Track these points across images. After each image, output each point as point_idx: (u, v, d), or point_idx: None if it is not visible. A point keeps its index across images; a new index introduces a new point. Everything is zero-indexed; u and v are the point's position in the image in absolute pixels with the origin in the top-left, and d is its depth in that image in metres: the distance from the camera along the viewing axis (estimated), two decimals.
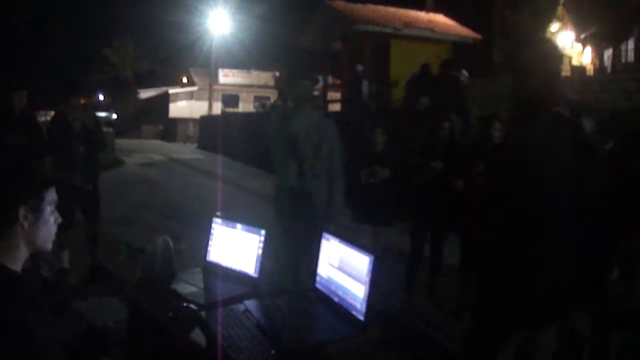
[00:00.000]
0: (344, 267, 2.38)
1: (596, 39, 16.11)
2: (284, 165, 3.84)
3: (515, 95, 2.55)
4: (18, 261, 1.66)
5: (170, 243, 2.87)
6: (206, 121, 27.31)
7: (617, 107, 8.53)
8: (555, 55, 2.48)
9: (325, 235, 2.58)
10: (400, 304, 5.06)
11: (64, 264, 5.63)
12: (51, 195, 1.70)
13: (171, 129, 34.44)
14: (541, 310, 2.41)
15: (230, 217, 3.00)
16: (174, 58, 41.96)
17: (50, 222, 1.70)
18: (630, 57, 14.11)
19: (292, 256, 3.72)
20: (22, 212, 1.62)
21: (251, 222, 2.91)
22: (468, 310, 2.65)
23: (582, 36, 16.26)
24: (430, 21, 17.89)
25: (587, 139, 2.44)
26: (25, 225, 1.63)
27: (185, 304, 2.37)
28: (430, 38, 16.93)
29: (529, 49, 2.45)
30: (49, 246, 1.74)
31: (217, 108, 32.97)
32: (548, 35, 17.79)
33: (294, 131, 3.83)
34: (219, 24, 32.70)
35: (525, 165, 2.29)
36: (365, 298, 2.19)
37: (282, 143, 3.78)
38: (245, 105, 36.30)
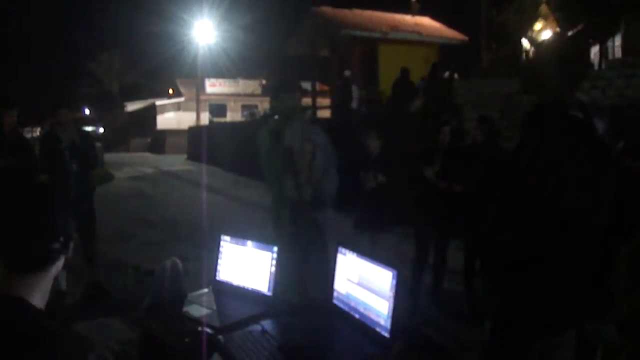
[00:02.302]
0: (364, 283, 2.31)
1: (582, 37, 16.19)
2: (280, 179, 3.78)
3: (533, 95, 2.51)
4: (45, 300, 1.54)
5: (179, 264, 2.79)
6: (194, 132, 27.17)
7: (607, 103, 8.58)
8: (581, 57, 2.43)
9: (342, 250, 2.51)
10: (407, 311, 5.02)
11: (62, 286, 5.51)
12: None
13: (159, 141, 34.23)
14: (564, 314, 2.37)
15: (239, 234, 2.92)
16: (160, 69, 41.89)
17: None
18: (617, 53, 14.19)
19: (295, 269, 3.65)
20: (71, 244, 1.52)
21: (258, 237, 2.85)
22: (487, 318, 2.60)
23: (569, 34, 16.33)
24: (416, 24, 17.97)
25: (601, 141, 2.39)
26: (69, 257, 1.54)
27: (200, 328, 2.28)
28: (417, 41, 17.00)
29: (551, 52, 2.41)
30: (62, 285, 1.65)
31: (205, 118, 32.82)
32: (532, 34, 17.94)
33: (287, 145, 3.77)
34: (204, 34, 32.58)
35: (543, 170, 2.24)
36: (390, 314, 2.12)
37: (277, 158, 3.72)
38: (233, 115, 36.19)
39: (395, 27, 17.23)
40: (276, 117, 4.00)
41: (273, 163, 3.83)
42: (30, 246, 1.45)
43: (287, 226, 3.81)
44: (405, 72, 13.31)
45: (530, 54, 17.03)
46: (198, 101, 31.48)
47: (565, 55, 2.38)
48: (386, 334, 2.13)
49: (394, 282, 2.13)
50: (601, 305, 2.83)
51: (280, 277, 3.63)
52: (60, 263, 1.52)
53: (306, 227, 3.75)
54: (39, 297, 1.46)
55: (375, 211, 5.27)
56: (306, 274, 3.76)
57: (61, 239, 1.48)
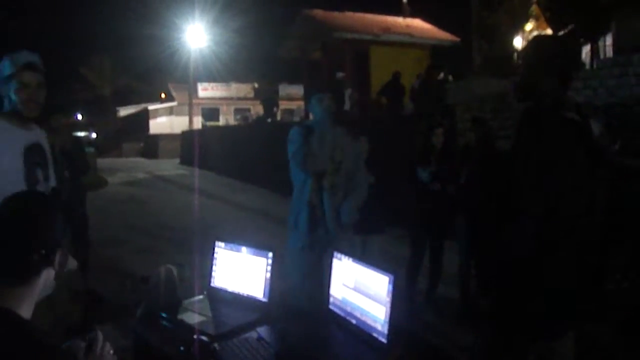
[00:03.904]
0: (360, 288, 2.29)
1: (573, 36, 16.26)
2: (304, 181, 3.73)
3: (523, 100, 2.50)
4: (31, 311, 1.54)
5: (174, 271, 2.76)
6: (187, 136, 27.11)
7: (600, 103, 8.59)
8: (571, 56, 2.42)
9: (337, 254, 2.49)
10: (403, 313, 5.00)
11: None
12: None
13: (152, 145, 34.11)
14: (562, 316, 2.36)
15: (233, 240, 2.90)
16: (152, 74, 41.69)
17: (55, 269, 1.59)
18: (609, 52, 14.24)
19: (307, 274, 3.59)
20: (58, 256, 1.51)
21: (255, 242, 2.82)
22: (483, 320, 2.59)
23: (559, 34, 16.39)
24: (408, 26, 18.00)
25: (596, 143, 2.38)
26: (56, 271, 1.51)
27: (195, 336, 2.26)
28: (409, 43, 17.04)
29: (540, 51, 2.40)
30: (50, 291, 1.62)
31: (198, 122, 32.75)
32: (523, 33, 18.00)
33: (316, 148, 3.71)
34: (196, 38, 32.48)
35: (538, 173, 2.23)
36: (387, 319, 2.10)
37: (303, 159, 3.65)
38: (226, 118, 36.11)
39: (386, 29, 17.25)
40: (311, 119, 3.94)
41: (300, 164, 3.75)
42: (6, 259, 1.44)
43: (304, 230, 3.73)
44: (396, 75, 13.39)
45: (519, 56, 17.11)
46: (191, 105, 31.40)
47: (551, 53, 2.37)
48: (383, 340, 2.11)
49: (391, 287, 2.11)
50: (599, 306, 2.84)
51: (290, 283, 3.58)
52: (48, 273, 1.51)
53: (323, 235, 3.69)
54: (25, 308, 1.46)
55: (365, 213, 5.21)
56: (315, 282, 3.67)
57: (42, 251, 1.47)
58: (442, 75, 12.48)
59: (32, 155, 2.85)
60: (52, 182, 3.03)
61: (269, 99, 19.53)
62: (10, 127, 2.80)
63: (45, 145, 3.02)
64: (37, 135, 2.98)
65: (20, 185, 2.72)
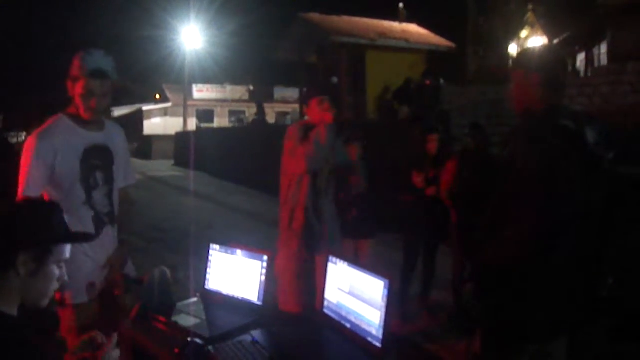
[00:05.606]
0: (355, 292, 2.29)
1: (568, 44, 16.36)
2: (298, 182, 3.70)
3: (518, 108, 2.51)
4: (14, 306, 1.55)
5: (168, 273, 2.76)
6: (182, 137, 27.07)
7: (594, 110, 8.65)
8: (562, 65, 2.44)
9: (332, 259, 2.49)
10: (396, 317, 5.00)
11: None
12: (62, 253, 1.60)
13: (146, 146, 34.02)
14: (553, 323, 2.37)
15: (228, 243, 2.89)
16: (147, 75, 41.63)
17: (51, 280, 1.59)
18: (603, 60, 14.33)
19: (301, 278, 3.57)
20: (21, 258, 1.51)
21: (249, 245, 2.82)
22: (477, 325, 2.59)
23: (555, 41, 16.48)
24: (404, 31, 18.03)
25: (592, 151, 2.39)
26: (22, 272, 1.52)
27: (189, 339, 2.25)
28: (405, 48, 17.05)
29: (535, 58, 2.41)
30: (44, 303, 1.62)
31: (192, 124, 32.72)
32: (519, 40, 18.10)
33: (315, 147, 3.68)
34: (191, 39, 32.49)
35: (533, 182, 2.24)
36: (382, 324, 2.10)
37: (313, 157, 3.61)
38: (221, 120, 36.09)
39: (382, 34, 17.25)
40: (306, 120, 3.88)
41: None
42: None
43: (300, 232, 3.70)
44: (408, 81, 13.44)
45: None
46: (185, 107, 31.38)
47: (545, 62, 2.38)
48: (378, 344, 2.11)
49: (386, 291, 2.12)
50: (592, 311, 2.84)
51: (284, 286, 3.55)
52: (32, 280, 1.55)
53: (317, 234, 3.67)
54: (5, 303, 1.53)
55: (356, 218, 5.20)
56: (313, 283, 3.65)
57: (29, 250, 1.53)
58: (434, 81, 12.52)
59: (91, 157, 2.74)
60: (120, 183, 2.99)
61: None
62: (72, 128, 2.72)
63: (114, 146, 2.90)
64: (105, 135, 2.85)
65: (77, 188, 2.68)
